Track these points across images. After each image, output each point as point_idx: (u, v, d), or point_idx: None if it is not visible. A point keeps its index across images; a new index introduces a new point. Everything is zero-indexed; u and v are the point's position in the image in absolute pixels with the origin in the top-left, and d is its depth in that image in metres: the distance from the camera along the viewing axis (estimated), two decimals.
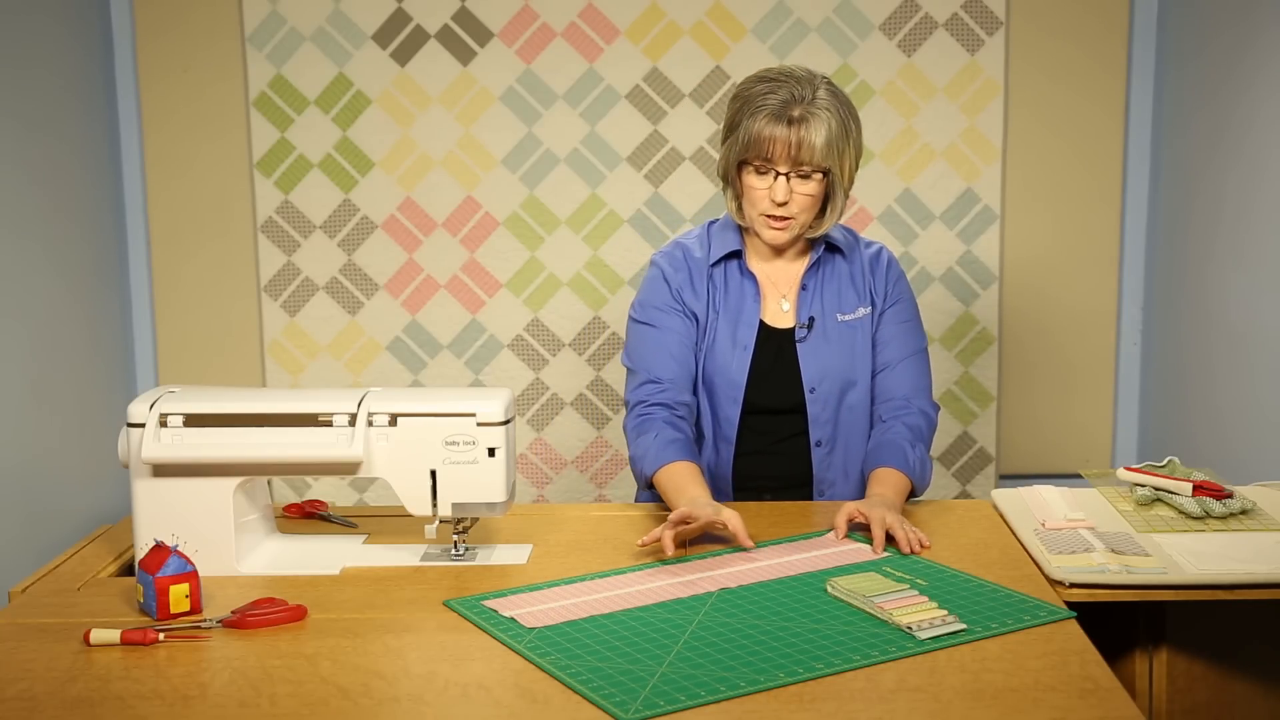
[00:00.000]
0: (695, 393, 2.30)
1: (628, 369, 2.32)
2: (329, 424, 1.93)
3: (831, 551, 1.99)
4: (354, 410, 1.93)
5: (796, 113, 2.15)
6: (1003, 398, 3.36)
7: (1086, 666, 1.58)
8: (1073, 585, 1.82)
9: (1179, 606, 1.88)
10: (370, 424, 1.93)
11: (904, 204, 3.29)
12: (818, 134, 2.15)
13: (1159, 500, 2.15)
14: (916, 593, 1.77)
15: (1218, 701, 1.92)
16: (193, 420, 1.92)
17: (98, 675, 1.60)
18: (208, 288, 3.33)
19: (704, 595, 1.81)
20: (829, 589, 1.82)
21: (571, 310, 3.33)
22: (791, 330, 2.30)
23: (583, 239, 3.30)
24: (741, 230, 2.33)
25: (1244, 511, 2.09)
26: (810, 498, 2.32)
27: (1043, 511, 2.12)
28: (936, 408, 2.35)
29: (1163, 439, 3.22)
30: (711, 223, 2.37)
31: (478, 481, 1.94)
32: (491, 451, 1.93)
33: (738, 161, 2.22)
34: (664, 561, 1.96)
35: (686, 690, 1.52)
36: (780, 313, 2.32)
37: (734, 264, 2.32)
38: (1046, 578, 1.86)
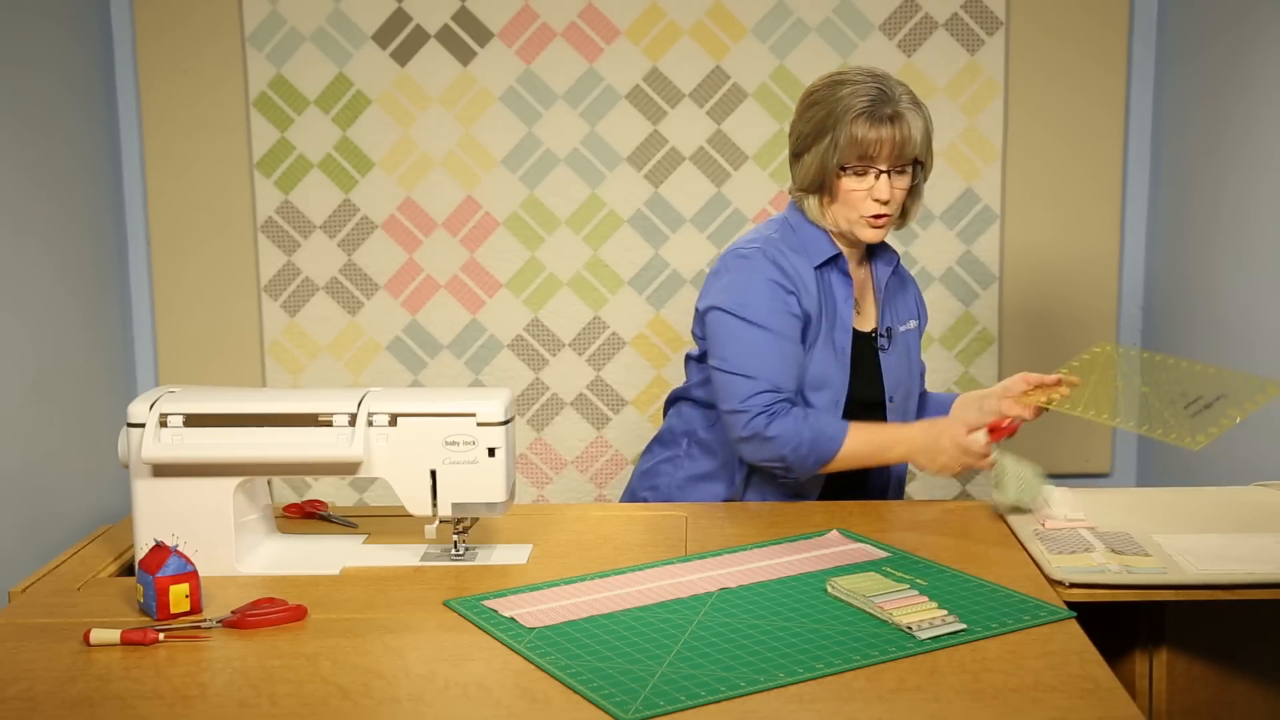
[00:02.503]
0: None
1: (733, 373, 2.20)
2: (329, 424, 1.93)
3: (831, 551, 2.00)
4: (354, 410, 1.93)
5: (889, 110, 2.16)
6: None
7: (1086, 666, 1.58)
8: (1073, 585, 1.82)
9: (1179, 606, 1.88)
10: (370, 424, 1.93)
11: None
12: (915, 127, 2.18)
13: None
14: (916, 593, 1.77)
15: (1218, 701, 1.92)
16: (193, 420, 1.92)
17: (98, 675, 1.60)
18: (208, 288, 3.33)
19: (704, 595, 1.81)
20: (829, 589, 1.82)
21: (571, 310, 3.33)
22: (867, 335, 2.32)
23: (583, 239, 3.30)
24: (828, 233, 2.28)
25: (1207, 406, 2.06)
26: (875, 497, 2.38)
27: (1042, 511, 2.12)
28: None
29: None
30: (778, 227, 2.30)
31: (478, 481, 1.94)
32: (491, 451, 1.93)
33: (838, 167, 2.18)
34: (663, 562, 1.96)
35: (686, 690, 1.52)
36: (855, 317, 2.32)
37: (830, 267, 2.28)
38: (1046, 578, 1.86)
